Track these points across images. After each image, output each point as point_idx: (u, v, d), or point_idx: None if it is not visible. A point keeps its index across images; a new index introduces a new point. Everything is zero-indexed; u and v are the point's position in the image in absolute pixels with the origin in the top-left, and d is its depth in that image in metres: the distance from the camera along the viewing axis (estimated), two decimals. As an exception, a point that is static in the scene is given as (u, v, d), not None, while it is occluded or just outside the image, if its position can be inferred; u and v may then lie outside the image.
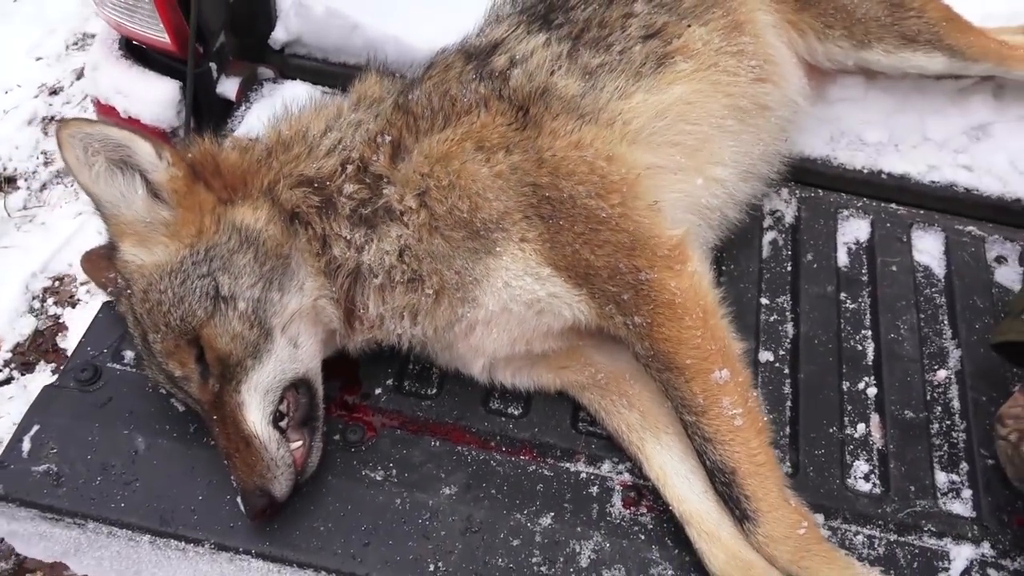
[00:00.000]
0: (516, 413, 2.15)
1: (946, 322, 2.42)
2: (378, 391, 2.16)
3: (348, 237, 1.92)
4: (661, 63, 2.18)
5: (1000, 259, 2.58)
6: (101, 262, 2.07)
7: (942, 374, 2.31)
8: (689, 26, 2.23)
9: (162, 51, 2.64)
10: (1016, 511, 2.04)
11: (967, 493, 2.09)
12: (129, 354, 2.16)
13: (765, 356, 2.32)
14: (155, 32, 2.57)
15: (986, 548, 1.99)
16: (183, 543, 1.89)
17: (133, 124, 2.69)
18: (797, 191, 2.67)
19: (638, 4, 2.25)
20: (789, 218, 2.63)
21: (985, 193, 2.73)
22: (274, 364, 1.87)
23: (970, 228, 2.63)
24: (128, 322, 1.95)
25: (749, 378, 1.93)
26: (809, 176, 2.72)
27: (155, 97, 2.64)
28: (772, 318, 2.40)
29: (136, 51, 2.75)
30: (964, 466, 2.14)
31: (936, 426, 2.21)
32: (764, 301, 2.43)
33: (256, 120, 2.62)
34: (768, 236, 2.58)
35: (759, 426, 1.88)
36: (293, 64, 2.89)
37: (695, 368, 1.88)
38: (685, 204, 2.17)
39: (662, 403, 2.03)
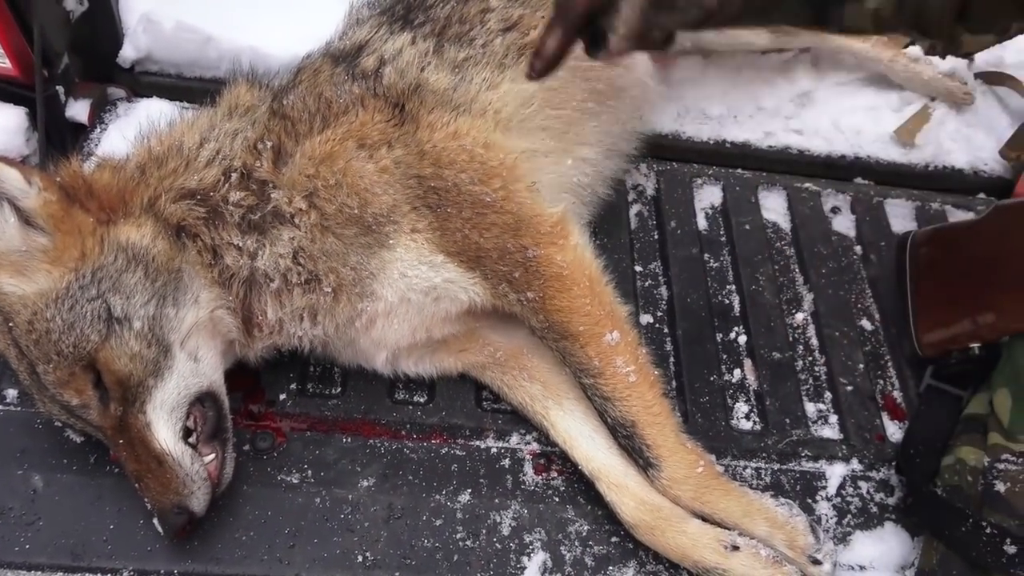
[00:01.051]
0: (422, 400, 2.22)
1: (797, 271, 2.67)
2: (282, 396, 2.16)
3: (239, 244, 1.92)
4: (522, 53, 2.29)
5: (835, 209, 2.87)
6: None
7: (799, 316, 2.56)
8: (543, 18, 2.35)
9: (3, 77, 2.51)
10: (875, 428, 2.30)
11: (833, 419, 2.33)
12: (12, 392, 2.06)
13: (645, 319, 2.49)
14: (-6, 57, 2.45)
15: (855, 464, 2.22)
16: (100, 575, 1.84)
17: (-22, 156, 2.55)
18: (655, 165, 2.87)
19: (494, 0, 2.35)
20: (650, 191, 2.82)
21: (815, 152, 3.03)
22: (177, 380, 1.85)
23: (807, 184, 2.90)
24: (9, 357, 1.87)
25: (637, 337, 2.07)
26: (663, 151, 2.93)
27: (1, 125, 2.52)
28: (647, 283, 2.58)
29: (-27, 79, 2.62)
30: (828, 395, 2.38)
31: (800, 363, 2.45)
32: (638, 268, 2.61)
33: (116, 141, 2.54)
34: (634, 209, 2.76)
35: (651, 380, 2.02)
36: (145, 81, 2.82)
37: (588, 334, 2.01)
38: (559, 184, 2.29)
39: (560, 372, 2.15)
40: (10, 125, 2.52)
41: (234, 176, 1.95)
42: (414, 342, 2.10)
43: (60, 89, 2.62)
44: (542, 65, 1.65)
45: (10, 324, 1.80)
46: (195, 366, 1.89)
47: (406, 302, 2.01)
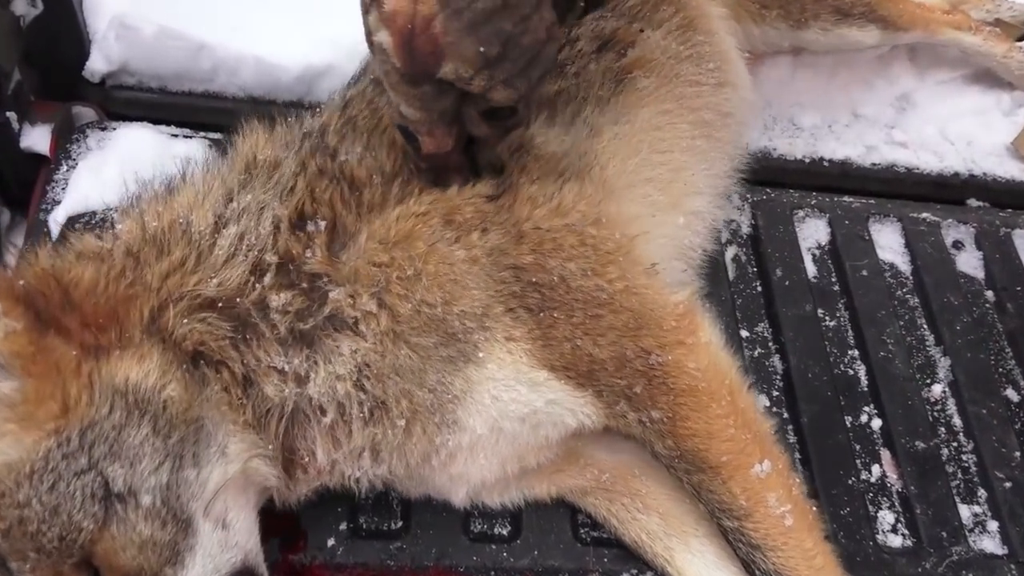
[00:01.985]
0: (505, 534, 1.75)
1: (925, 326, 2.24)
2: (331, 541, 1.68)
3: (283, 368, 1.42)
4: (620, 82, 1.79)
5: (957, 244, 2.43)
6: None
7: (937, 389, 2.13)
8: (642, 31, 1.83)
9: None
10: (1047, 538, 1.90)
11: (993, 525, 1.93)
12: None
13: (760, 401, 2.04)
14: (-80, 82, 1.87)
15: (1028, 587, 1.83)
16: None
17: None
18: (748, 196, 2.38)
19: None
20: (746, 228, 2.34)
21: (924, 170, 2.60)
22: (203, 562, 1.35)
23: (924, 215, 2.45)
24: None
25: (788, 463, 1.63)
26: (753, 174, 2.43)
27: (-64, 170, 1.95)
28: (757, 353, 2.13)
29: None
30: (982, 493, 1.98)
31: (945, 451, 2.03)
32: (744, 334, 2.15)
33: (89, 186, 1.99)
34: (730, 253, 2.28)
35: (810, 521, 1.59)
36: (120, 98, 2.24)
37: (731, 465, 1.56)
38: (671, 250, 1.82)
39: (682, 499, 1.71)
40: (-52, 169, 1.95)
41: (269, 275, 1.43)
42: (503, 476, 1.63)
43: (12, 116, 2.04)
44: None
45: (-33, 507, 1.29)
46: (225, 536, 1.40)
47: (497, 432, 1.53)
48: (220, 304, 1.42)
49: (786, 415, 2.04)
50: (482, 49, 1.26)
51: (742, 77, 2.09)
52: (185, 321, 1.40)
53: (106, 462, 1.29)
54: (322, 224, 1.46)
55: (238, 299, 1.43)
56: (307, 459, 1.50)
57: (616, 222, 1.59)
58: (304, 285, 1.44)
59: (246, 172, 1.59)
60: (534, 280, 1.50)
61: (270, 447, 1.45)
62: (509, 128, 1.50)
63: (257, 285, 1.43)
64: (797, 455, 1.98)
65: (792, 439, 2.00)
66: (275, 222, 1.47)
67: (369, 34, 1.35)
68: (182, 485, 1.35)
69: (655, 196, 1.79)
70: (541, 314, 1.50)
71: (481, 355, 1.48)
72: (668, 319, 1.58)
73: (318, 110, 1.79)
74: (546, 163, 1.59)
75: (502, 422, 1.52)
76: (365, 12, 1.34)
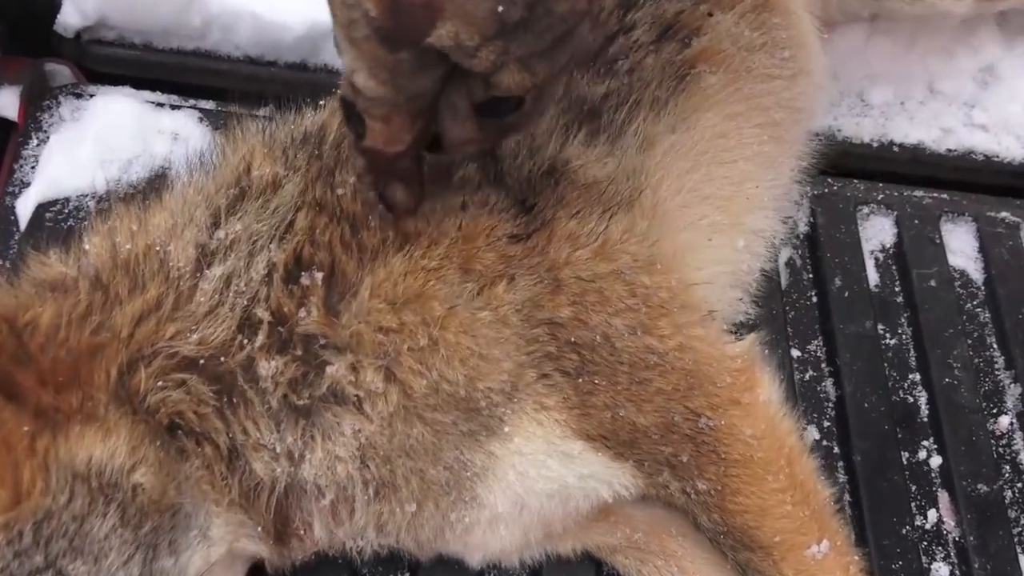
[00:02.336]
0: (525, 589, 1.59)
1: (995, 346, 2.01)
2: (331, 598, 1.52)
3: (273, 446, 1.21)
4: (681, 79, 1.50)
5: (1038, 250, 2.16)
6: None
7: (1004, 421, 1.92)
8: (710, 15, 1.53)
9: None
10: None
11: (1058, 583, 1.76)
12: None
13: (810, 433, 1.84)
14: None
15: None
16: None
17: None
18: (808, 188, 2.11)
19: (634, -16, 1.51)
20: (803, 226, 2.08)
21: (1005, 159, 2.30)
22: (185, 655, 1.19)
23: (1003, 214, 2.17)
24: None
25: (847, 538, 1.44)
26: (812, 159, 2.16)
27: None
28: (808, 376, 1.91)
29: None
30: (1049, 546, 1.80)
31: (1009, 494, 1.84)
32: (796, 353, 1.92)
33: (62, 167, 1.74)
34: (784, 255, 2.03)
35: (868, 606, 1.41)
36: (98, 54, 1.96)
37: (786, 545, 1.37)
38: (727, 278, 1.58)
39: (723, 565, 1.52)
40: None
41: (260, 334, 1.20)
42: (526, 544, 1.44)
43: (-28, 79, 1.77)
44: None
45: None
46: (207, 622, 1.23)
47: (521, 507, 1.34)
48: (201, 363, 1.20)
49: (837, 450, 1.84)
50: (501, 9, 0.88)
51: (818, 64, 1.79)
52: (159, 384, 1.19)
53: (66, 559, 1.10)
54: (319, 276, 1.21)
55: (222, 358, 1.21)
56: (303, 531, 1.31)
57: (671, 265, 1.34)
58: (299, 351, 1.20)
59: (237, 188, 1.34)
60: (573, 339, 1.27)
61: (259, 525, 1.26)
62: (504, 131, 1.10)
63: (245, 344, 1.21)
64: (847, 496, 1.79)
65: (842, 477, 1.81)
66: (269, 267, 1.23)
67: None
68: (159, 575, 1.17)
69: (713, 216, 1.53)
70: (579, 379, 1.28)
71: (507, 429, 1.27)
72: (724, 374, 1.36)
73: (321, 104, 1.52)
74: (587, 192, 1.33)
75: (527, 499, 1.32)
76: None
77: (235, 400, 1.20)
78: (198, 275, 1.24)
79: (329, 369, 1.20)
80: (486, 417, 1.25)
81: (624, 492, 1.37)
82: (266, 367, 1.20)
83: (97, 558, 1.12)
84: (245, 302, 1.22)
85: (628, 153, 1.41)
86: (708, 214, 1.53)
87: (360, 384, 1.20)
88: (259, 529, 1.25)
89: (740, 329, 1.73)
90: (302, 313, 1.21)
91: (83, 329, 1.22)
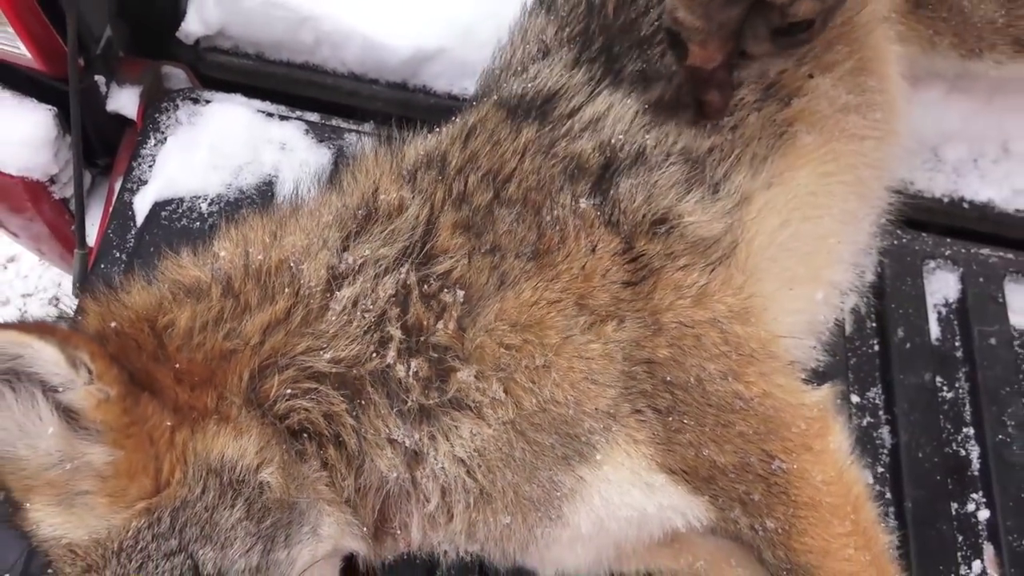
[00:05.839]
0: (588, 603, 1.67)
1: (1049, 407, 2.07)
2: (408, 596, 1.62)
3: (403, 440, 1.31)
4: (780, 136, 1.58)
5: (1097, 316, 2.21)
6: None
7: (1054, 482, 1.98)
8: (811, 76, 1.61)
9: (21, 68, 1.78)
10: None
11: (1096, 646, 1.82)
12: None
13: (864, 477, 1.90)
14: (5, 42, 1.71)
15: None
16: None
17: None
18: (877, 238, 2.17)
19: (744, 43, 1.59)
20: (870, 275, 2.14)
21: (1076, 226, 2.35)
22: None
23: (1067, 278, 2.23)
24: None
25: (903, 584, 1.51)
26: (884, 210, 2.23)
27: (21, 135, 1.81)
28: (866, 422, 1.98)
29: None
30: (1090, 610, 1.86)
31: (1053, 554, 1.90)
32: (855, 399, 2.00)
33: (178, 168, 1.85)
34: (849, 302, 2.10)
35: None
36: (213, 61, 2.07)
37: (844, 586, 1.44)
38: (804, 327, 1.65)
39: (779, 597, 1.60)
40: (33, 135, 1.82)
41: (392, 347, 1.30)
42: (598, 563, 1.53)
43: (100, 79, 1.88)
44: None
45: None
46: (306, 608, 1.33)
47: (600, 529, 1.43)
48: (332, 373, 1.30)
49: (889, 495, 1.91)
50: None
51: (906, 125, 1.86)
52: (289, 391, 1.29)
53: (197, 544, 1.21)
54: (460, 294, 1.32)
55: (353, 369, 1.31)
56: (399, 532, 1.41)
57: (762, 317, 1.42)
58: (432, 355, 1.31)
59: (364, 209, 1.44)
60: (668, 379, 1.35)
61: (364, 525, 1.36)
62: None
63: (375, 356, 1.30)
64: (896, 540, 1.86)
65: (893, 522, 1.88)
66: (400, 287, 1.33)
67: None
68: (271, 567, 1.27)
69: (796, 269, 1.61)
70: (670, 417, 1.36)
71: (599, 457, 1.36)
72: (799, 421, 1.44)
73: (436, 129, 1.62)
74: (695, 246, 1.42)
75: (608, 522, 1.41)
76: None
77: (363, 403, 1.30)
78: (328, 295, 1.34)
79: (458, 374, 1.30)
80: (582, 444, 1.34)
81: (697, 524, 1.46)
82: (403, 369, 1.30)
83: (223, 545, 1.22)
84: (372, 318, 1.32)
85: (722, 203, 1.50)
86: (793, 267, 1.61)
87: (485, 392, 1.30)
88: (363, 528, 1.35)
89: (812, 376, 1.80)
90: (439, 325, 1.31)
91: (216, 333, 1.32)
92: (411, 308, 1.31)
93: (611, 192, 1.41)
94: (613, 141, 1.46)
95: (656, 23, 1.61)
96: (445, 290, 1.32)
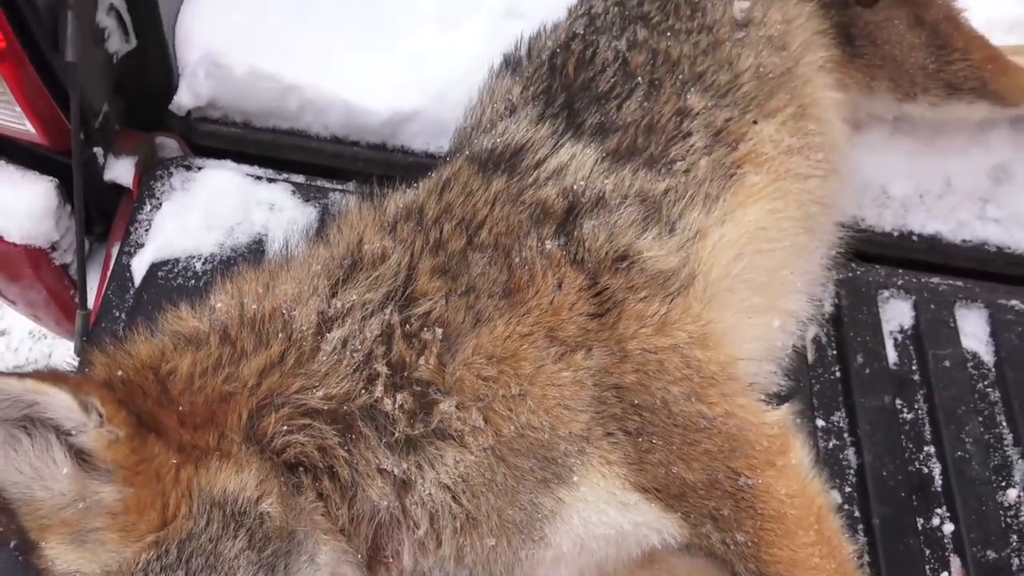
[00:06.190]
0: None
1: (1004, 424, 2.18)
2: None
3: (392, 470, 1.40)
4: (730, 177, 1.72)
5: (1045, 336, 2.35)
6: None
7: (1012, 494, 2.08)
8: (755, 123, 1.77)
9: (24, 142, 1.91)
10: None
11: (1062, 651, 1.90)
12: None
13: (833, 497, 2.00)
14: (12, 120, 1.84)
15: None
16: None
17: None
18: (834, 272, 2.31)
19: (692, 96, 1.75)
20: (828, 306, 2.28)
21: (1016, 251, 2.50)
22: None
23: (1013, 302, 2.37)
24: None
25: (869, 590, 1.61)
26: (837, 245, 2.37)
27: (24, 206, 1.93)
28: (832, 444, 2.09)
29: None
30: (1053, 614, 1.95)
31: (1016, 561, 1.99)
32: (820, 423, 2.11)
33: (174, 231, 1.97)
34: (811, 333, 2.23)
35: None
36: (204, 130, 2.21)
37: (814, 595, 1.54)
38: (763, 353, 1.77)
39: (755, 611, 1.68)
40: (36, 205, 1.94)
41: (379, 383, 1.41)
42: (581, 583, 1.62)
43: (98, 151, 2.01)
44: None
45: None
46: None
47: (581, 548, 1.52)
48: (324, 410, 1.41)
49: (857, 513, 2.01)
50: None
51: (848, 164, 2.02)
52: (285, 428, 1.39)
53: (203, 574, 1.29)
54: (439, 332, 1.43)
55: (344, 405, 1.41)
56: (391, 560, 1.49)
57: (720, 342, 1.55)
58: (417, 389, 1.42)
59: (350, 258, 1.56)
60: (636, 402, 1.47)
61: (358, 553, 1.45)
62: None
63: (364, 392, 1.41)
64: (865, 557, 1.95)
65: (862, 538, 1.98)
66: (384, 327, 1.44)
67: None
68: (270, 594, 1.35)
69: (753, 299, 1.74)
70: (639, 438, 1.47)
71: (575, 479, 1.46)
72: (761, 439, 1.55)
73: (414, 184, 1.75)
74: (654, 279, 1.55)
75: (588, 541, 1.51)
76: None
77: (354, 436, 1.40)
78: (319, 338, 1.45)
79: (440, 406, 1.41)
80: (559, 467, 1.45)
81: (671, 540, 1.55)
82: (389, 403, 1.40)
83: (227, 574, 1.31)
84: (361, 357, 1.43)
85: (678, 238, 1.63)
86: (749, 297, 1.74)
87: (466, 421, 1.40)
88: (358, 556, 1.44)
89: (772, 399, 1.92)
90: (420, 361, 1.42)
91: (216, 377, 1.43)
92: (395, 346, 1.43)
93: (575, 233, 1.55)
94: (575, 187, 1.60)
95: (612, 80, 1.76)
96: (425, 329, 1.44)
